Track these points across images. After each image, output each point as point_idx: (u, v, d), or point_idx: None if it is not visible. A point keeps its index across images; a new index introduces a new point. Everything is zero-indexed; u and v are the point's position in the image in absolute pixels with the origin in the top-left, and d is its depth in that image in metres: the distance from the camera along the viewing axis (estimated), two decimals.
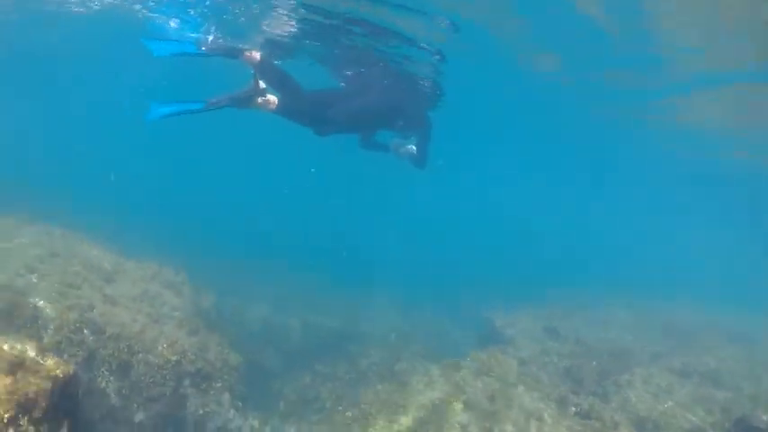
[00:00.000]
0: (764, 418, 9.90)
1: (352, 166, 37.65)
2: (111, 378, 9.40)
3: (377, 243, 29.73)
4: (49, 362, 5.91)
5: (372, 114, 10.25)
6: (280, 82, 9.28)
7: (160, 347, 9.93)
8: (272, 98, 8.86)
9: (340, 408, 10.68)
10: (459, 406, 10.19)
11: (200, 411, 10.26)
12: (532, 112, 20.33)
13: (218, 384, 10.45)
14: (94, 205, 19.30)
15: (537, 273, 26.42)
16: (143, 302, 10.99)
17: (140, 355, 9.68)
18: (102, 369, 9.36)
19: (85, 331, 9.45)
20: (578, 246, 46.81)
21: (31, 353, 5.88)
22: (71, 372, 6.09)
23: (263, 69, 9.13)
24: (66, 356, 8.65)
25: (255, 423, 10.91)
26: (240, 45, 9.91)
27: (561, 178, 39.20)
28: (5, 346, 5.72)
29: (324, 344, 15.06)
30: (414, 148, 10.60)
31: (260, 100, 8.75)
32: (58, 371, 5.85)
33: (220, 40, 12.37)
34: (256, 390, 11.75)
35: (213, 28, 12.92)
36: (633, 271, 31.12)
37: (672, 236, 53.33)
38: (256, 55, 9.36)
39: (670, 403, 12.63)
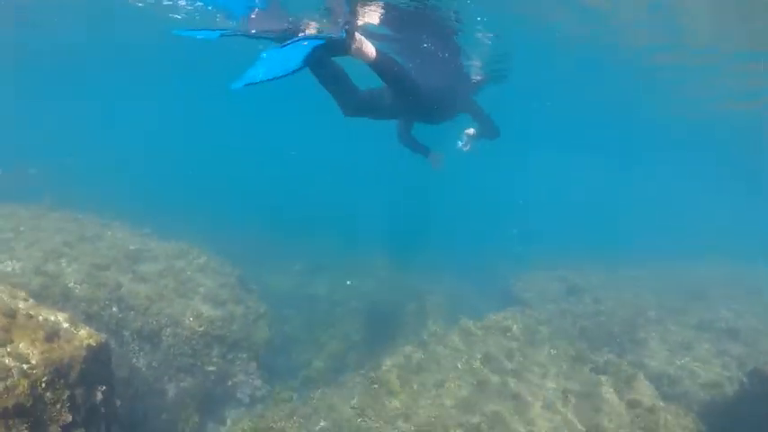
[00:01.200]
0: None
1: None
2: (141, 352, 9.85)
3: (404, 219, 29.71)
4: (82, 332, 6.28)
5: (442, 97, 8.97)
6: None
7: (187, 321, 10.33)
8: (371, 46, 7.22)
9: (362, 372, 10.97)
10: (477, 364, 10.49)
11: (229, 382, 10.70)
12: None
13: (244, 355, 10.85)
14: (120, 189, 19.79)
15: (560, 240, 26.42)
16: (168, 278, 11.36)
17: (168, 328, 10.11)
18: (133, 344, 9.81)
19: (114, 308, 9.89)
20: (604, 214, 46.56)
21: (65, 324, 6.25)
22: (102, 340, 6.46)
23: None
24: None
25: (282, 391, 11.28)
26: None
27: (589, 149, 39.18)
28: (40, 318, 6.09)
29: (351, 311, 15.32)
30: (472, 130, 10.33)
31: (356, 44, 7.01)
32: (90, 339, 6.22)
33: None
34: (283, 358, 12.14)
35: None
36: (660, 237, 30.95)
37: (696, 200, 53.14)
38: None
39: (687, 358, 12.89)
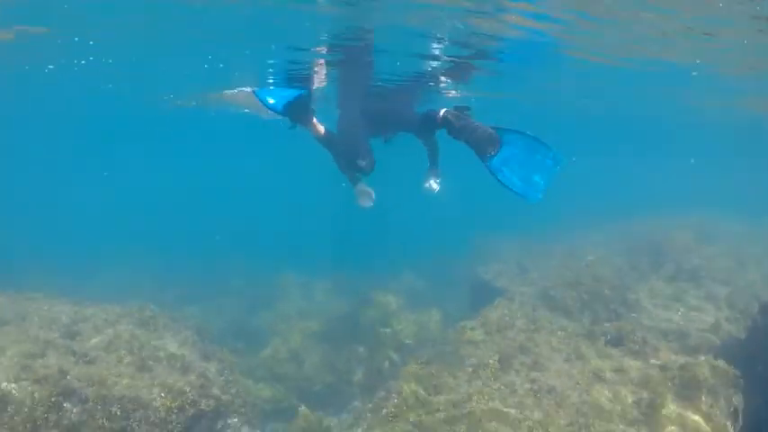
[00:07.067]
0: None
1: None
2: None
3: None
4: None
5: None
6: None
7: (157, 399, 8.60)
8: None
9: (370, 405, 9.57)
10: (495, 365, 9.37)
11: None
12: None
13: (234, 420, 9.24)
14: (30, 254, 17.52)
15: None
16: (119, 350, 9.56)
17: (137, 413, 8.35)
18: None
19: (66, 405, 8.09)
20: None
21: None
22: None
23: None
24: None
25: None
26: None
27: None
28: None
29: (330, 336, 13.93)
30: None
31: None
32: None
33: None
34: (275, 410, 10.64)
35: None
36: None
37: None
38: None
39: (682, 310, 12.75)
